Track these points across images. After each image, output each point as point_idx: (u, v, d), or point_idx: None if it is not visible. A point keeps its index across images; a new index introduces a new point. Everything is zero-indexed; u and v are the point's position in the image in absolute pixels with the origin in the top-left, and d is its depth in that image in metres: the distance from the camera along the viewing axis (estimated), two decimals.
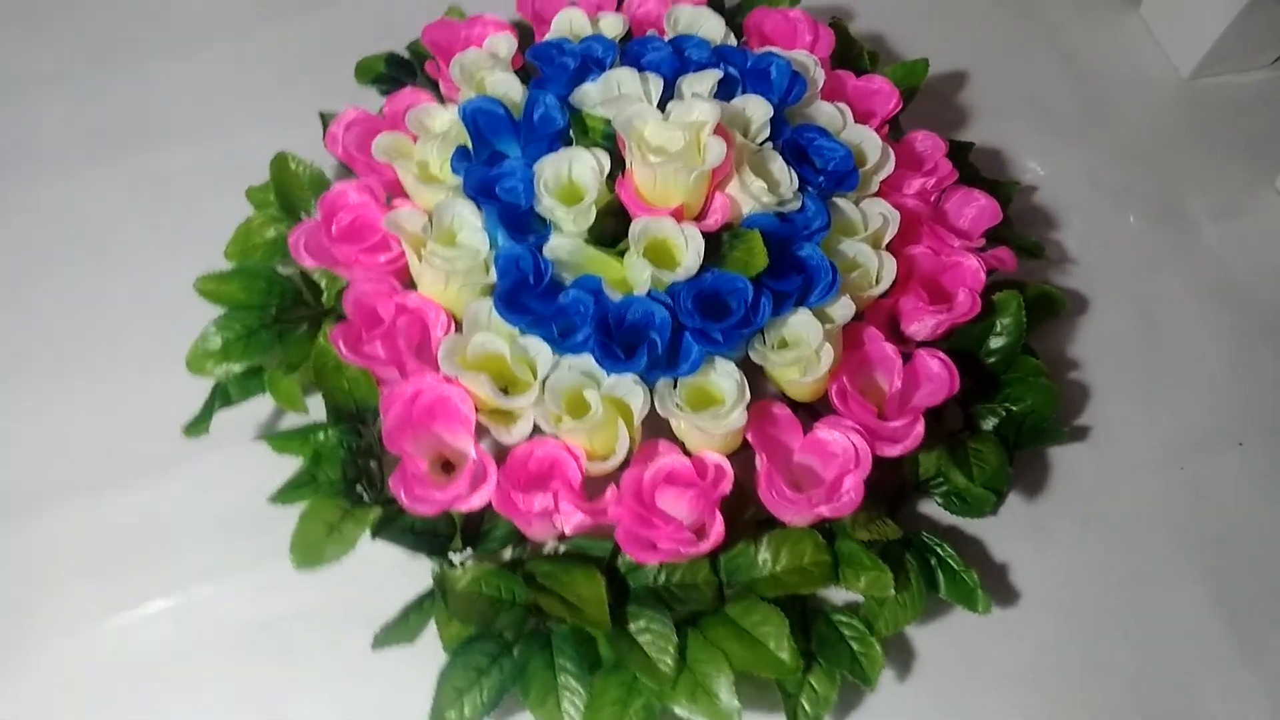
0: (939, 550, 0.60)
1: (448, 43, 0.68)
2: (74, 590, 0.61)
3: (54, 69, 0.83)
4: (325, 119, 0.73)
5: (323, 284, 0.66)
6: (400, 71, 0.77)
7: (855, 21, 0.87)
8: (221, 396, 0.62)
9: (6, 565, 0.62)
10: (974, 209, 0.64)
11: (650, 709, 0.54)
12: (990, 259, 0.63)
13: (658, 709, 0.54)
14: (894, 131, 0.68)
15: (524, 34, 0.70)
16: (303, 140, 0.74)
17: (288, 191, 0.68)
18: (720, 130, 0.55)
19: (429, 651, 0.55)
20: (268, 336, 0.64)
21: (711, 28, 0.66)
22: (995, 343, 0.63)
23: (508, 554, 0.60)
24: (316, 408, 0.61)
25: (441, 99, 0.67)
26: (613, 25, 0.65)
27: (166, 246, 0.74)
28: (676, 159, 0.53)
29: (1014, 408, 0.63)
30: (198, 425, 0.61)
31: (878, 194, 0.61)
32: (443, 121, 0.62)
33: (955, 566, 0.60)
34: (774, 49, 0.65)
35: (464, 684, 0.55)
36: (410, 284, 0.61)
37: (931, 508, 0.64)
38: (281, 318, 0.65)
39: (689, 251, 0.54)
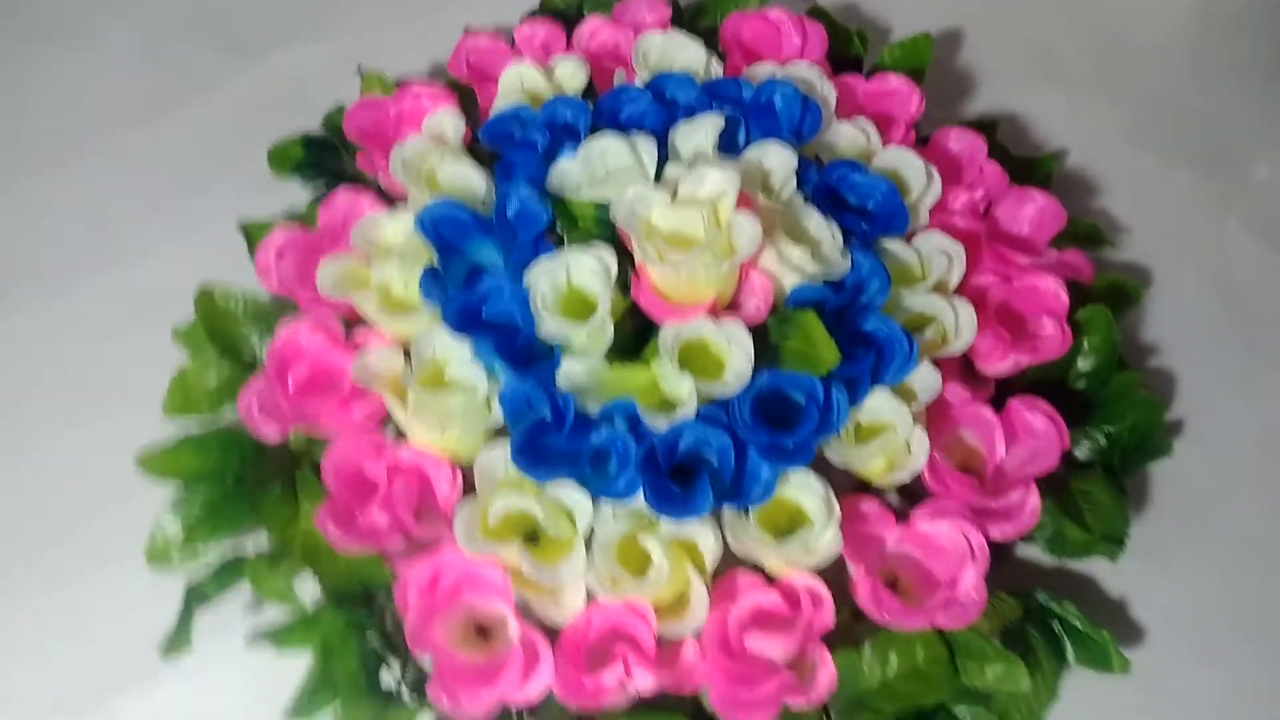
0: (1060, 612, 0.52)
1: (376, 127, 0.57)
2: None
3: None
4: (248, 232, 0.62)
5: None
6: (322, 155, 0.65)
7: None
8: (197, 599, 0.52)
9: None
10: (1032, 211, 0.55)
11: None
12: (1064, 270, 0.54)
13: None
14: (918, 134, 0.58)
15: (463, 98, 0.59)
16: (224, 253, 0.63)
17: (222, 331, 0.58)
18: (742, 198, 0.45)
19: None
20: (235, 509, 0.54)
21: (689, 56, 0.55)
22: (1084, 365, 0.54)
23: None
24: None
25: (385, 198, 0.56)
26: (572, 74, 0.55)
27: (93, 406, 0.63)
28: (702, 252, 0.43)
29: (1112, 430, 0.55)
30: (178, 641, 0.51)
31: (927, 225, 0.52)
32: (395, 231, 0.52)
33: (1082, 628, 0.52)
34: (768, 67, 0.55)
35: None
36: (396, 427, 0.51)
37: (1027, 546, 0.56)
38: (247, 481, 0.55)
39: (736, 354, 0.44)
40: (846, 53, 0.66)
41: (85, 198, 0.71)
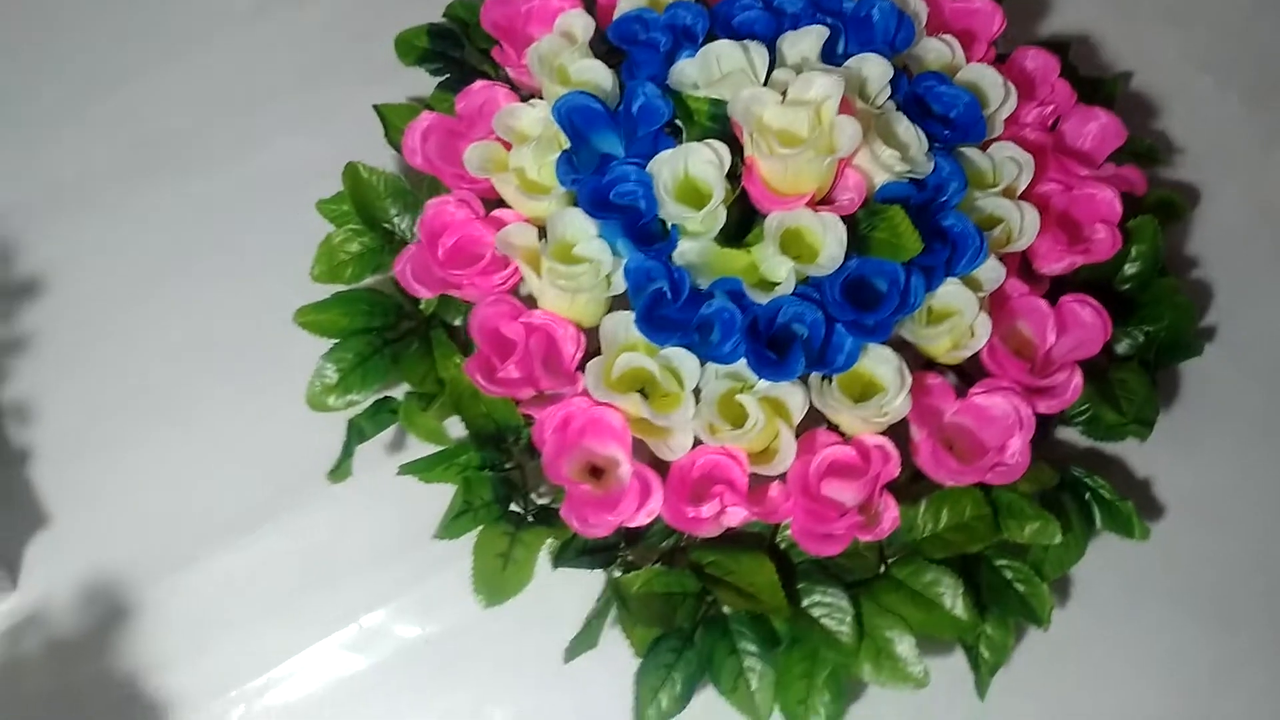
0: (1090, 484, 0.60)
1: (508, 22, 0.63)
2: (254, 634, 0.62)
3: (61, 100, 0.76)
4: (383, 114, 0.69)
5: None
6: (446, 45, 0.72)
7: None
8: (357, 435, 0.61)
9: (176, 624, 0.63)
10: (1095, 128, 0.61)
11: (837, 677, 0.56)
12: (1119, 183, 0.60)
13: (844, 677, 0.56)
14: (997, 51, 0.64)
15: None
16: (353, 134, 0.70)
17: (366, 203, 0.65)
18: (843, 103, 0.52)
19: (604, 651, 0.57)
20: (382, 361, 0.63)
21: None
22: (1130, 269, 0.61)
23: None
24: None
25: (514, 89, 0.62)
26: None
27: (244, 270, 0.71)
28: (808, 148, 0.50)
29: (1150, 329, 0.62)
30: (340, 470, 0.61)
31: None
32: (530, 120, 0.59)
33: (1109, 498, 0.60)
34: None
35: (657, 682, 0.56)
36: (526, 295, 0.59)
37: (1065, 430, 0.64)
38: (389, 338, 0.63)
39: (830, 241, 0.51)
40: None
41: (226, 79, 0.78)
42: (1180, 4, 0.78)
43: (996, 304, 0.57)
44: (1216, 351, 0.67)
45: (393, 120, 0.68)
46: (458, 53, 0.71)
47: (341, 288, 0.65)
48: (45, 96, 0.77)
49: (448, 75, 0.71)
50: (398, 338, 0.63)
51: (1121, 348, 0.62)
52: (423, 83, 0.72)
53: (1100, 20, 0.77)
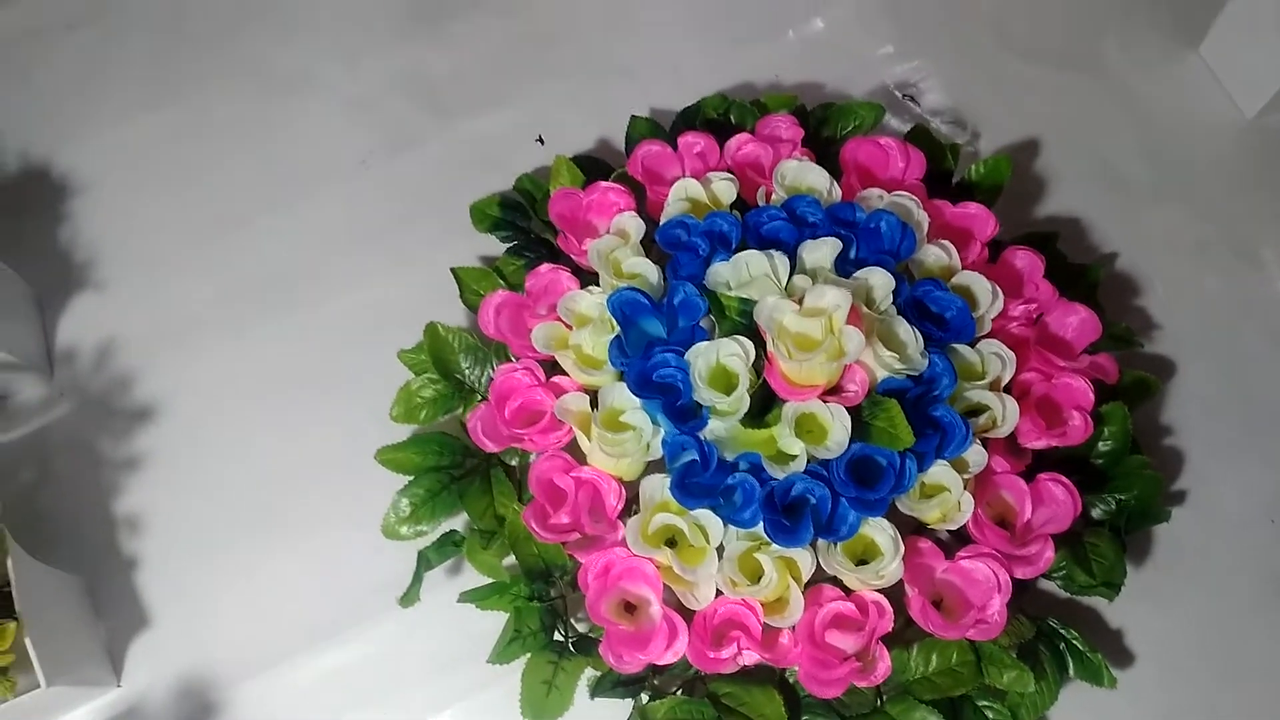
0: (1066, 634, 0.68)
1: (572, 214, 0.74)
2: None
3: (185, 241, 0.87)
4: (458, 277, 0.80)
5: None
6: (515, 215, 0.83)
7: (925, 97, 0.91)
8: (425, 565, 0.71)
9: None
10: (1075, 321, 0.70)
11: None
12: (1094, 371, 0.69)
13: None
14: (993, 250, 0.73)
15: (635, 189, 0.76)
16: (429, 284, 0.81)
17: (442, 357, 0.76)
18: (852, 310, 0.62)
19: None
20: (449, 497, 0.72)
21: (815, 179, 0.71)
22: (1103, 447, 0.70)
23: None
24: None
25: (576, 271, 0.73)
26: (725, 191, 0.71)
27: (335, 402, 0.81)
28: (820, 353, 0.60)
29: (1122, 498, 0.70)
30: (410, 596, 0.70)
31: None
32: (588, 305, 0.69)
33: (1081, 648, 0.68)
34: (877, 192, 0.71)
35: None
36: (578, 449, 0.69)
37: (1047, 581, 0.72)
38: (455, 475, 0.73)
39: (837, 428, 0.61)
40: (941, 165, 0.81)
41: (317, 231, 0.88)
42: (1163, 187, 0.87)
43: (983, 476, 0.66)
44: (1187, 514, 0.75)
45: (466, 282, 0.79)
46: (525, 222, 0.83)
47: (416, 428, 0.76)
48: (171, 238, 0.87)
49: (516, 242, 0.82)
50: (462, 475, 0.73)
51: (1096, 513, 0.70)
52: (494, 239, 0.83)
53: (1092, 202, 0.86)
